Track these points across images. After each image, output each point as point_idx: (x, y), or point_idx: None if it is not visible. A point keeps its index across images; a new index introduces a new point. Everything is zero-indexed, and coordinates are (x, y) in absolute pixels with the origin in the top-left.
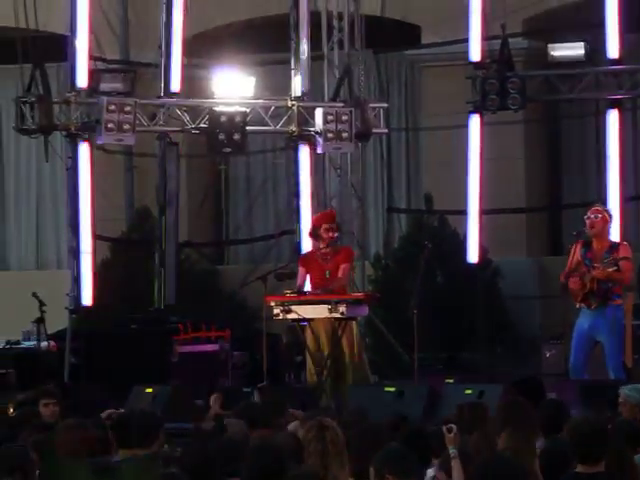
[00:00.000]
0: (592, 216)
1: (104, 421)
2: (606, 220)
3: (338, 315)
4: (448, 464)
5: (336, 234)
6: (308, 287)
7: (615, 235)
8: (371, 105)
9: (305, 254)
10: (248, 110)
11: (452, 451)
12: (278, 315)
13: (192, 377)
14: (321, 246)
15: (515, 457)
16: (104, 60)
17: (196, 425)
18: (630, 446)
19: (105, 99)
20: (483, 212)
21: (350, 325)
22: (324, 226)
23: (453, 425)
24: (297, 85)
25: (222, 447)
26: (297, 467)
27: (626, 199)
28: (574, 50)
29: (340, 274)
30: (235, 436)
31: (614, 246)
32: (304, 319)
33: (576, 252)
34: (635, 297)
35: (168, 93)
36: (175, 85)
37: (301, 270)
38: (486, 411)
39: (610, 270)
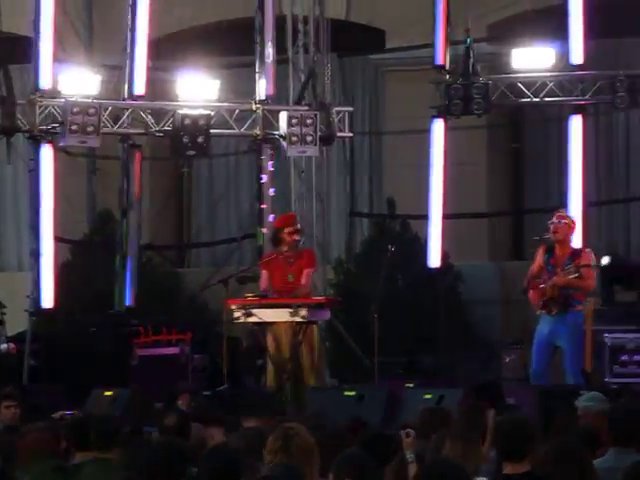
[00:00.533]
0: (556, 221)
1: (56, 422)
2: (570, 226)
3: (299, 319)
4: (400, 469)
5: (298, 237)
6: (272, 291)
7: (577, 240)
8: (335, 109)
9: (267, 257)
10: (212, 113)
11: (409, 456)
12: (239, 318)
13: (152, 380)
14: (284, 249)
15: (460, 462)
16: (68, 62)
17: (160, 425)
18: (589, 451)
19: (69, 101)
20: (445, 216)
21: (311, 329)
22: (287, 229)
23: (411, 430)
24: (261, 88)
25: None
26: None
27: (588, 204)
28: (538, 56)
29: (304, 280)
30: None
31: (577, 253)
32: (265, 323)
33: (539, 257)
34: (595, 302)
35: (132, 96)
36: (139, 88)
37: (264, 273)
38: (448, 416)
39: (571, 277)
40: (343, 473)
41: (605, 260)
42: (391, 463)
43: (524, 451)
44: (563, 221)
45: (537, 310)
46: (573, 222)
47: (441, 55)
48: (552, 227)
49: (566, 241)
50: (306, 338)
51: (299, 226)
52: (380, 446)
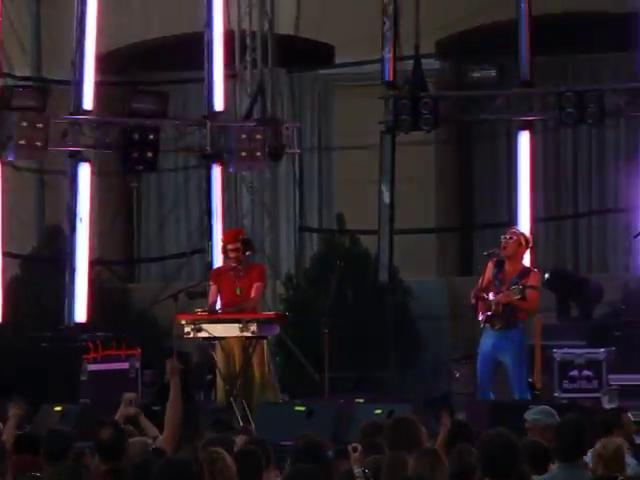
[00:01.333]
0: (507, 237)
1: None
2: (520, 243)
3: (249, 334)
4: None
5: (245, 253)
6: (219, 304)
7: (525, 256)
8: (284, 124)
9: (216, 270)
10: (161, 128)
11: (357, 471)
12: (189, 334)
13: (102, 395)
14: (232, 264)
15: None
16: (15, 77)
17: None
18: (537, 466)
19: (17, 115)
20: (394, 232)
21: (261, 344)
22: (228, 246)
23: (358, 445)
24: (210, 103)
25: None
26: None
27: (536, 220)
28: (486, 72)
29: (253, 294)
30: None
31: (525, 272)
32: (215, 338)
33: (488, 271)
34: (544, 318)
35: (80, 110)
36: (87, 102)
37: (212, 287)
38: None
39: (514, 298)
40: None
41: (546, 275)
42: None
43: (510, 470)
44: (514, 237)
45: (481, 323)
46: (527, 239)
47: (390, 71)
48: (503, 242)
49: (516, 258)
50: (256, 353)
51: (239, 245)
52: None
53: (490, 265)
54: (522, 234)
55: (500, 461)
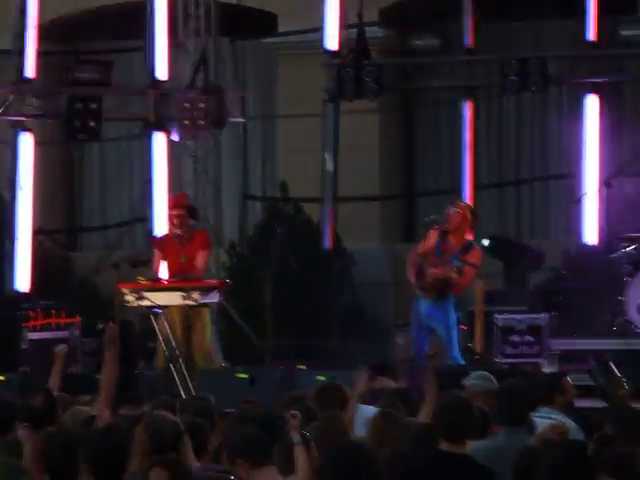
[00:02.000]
0: (452, 210)
1: None
2: (465, 217)
3: (191, 302)
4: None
5: (190, 220)
6: (165, 271)
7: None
8: (228, 93)
9: (161, 237)
10: (104, 97)
11: (295, 437)
12: (131, 302)
13: (42, 364)
14: (176, 231)
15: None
16: None
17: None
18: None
19: None
20: (338, 200)
21: (202, 311)
22: (172, 212)
23: (296, 412)
24: (153, 72)
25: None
26: None
27: (479, 187)
28: (429, 40)
29: (198, 263)
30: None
31: (468, 247)
32: (157, 306)
33: (431, 239)
34: (486, 284)
35: (23, 79)
36: (30, 71)
37: (157, 253)
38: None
39: (452, 275)
40: (235, 453)
41: (485, 242)
42: (277, 444)
43: (465, 432)
44: (459, 211)
45: (415, 289)
46: (473, 213)
47: (333, 39)
48: (448, 215)
49: (460, 231)
50: (197, 320)
51: (183, 211)
52: (272, 426)
53: (434, 234)
54: (469, 207)
55: (455, 423)
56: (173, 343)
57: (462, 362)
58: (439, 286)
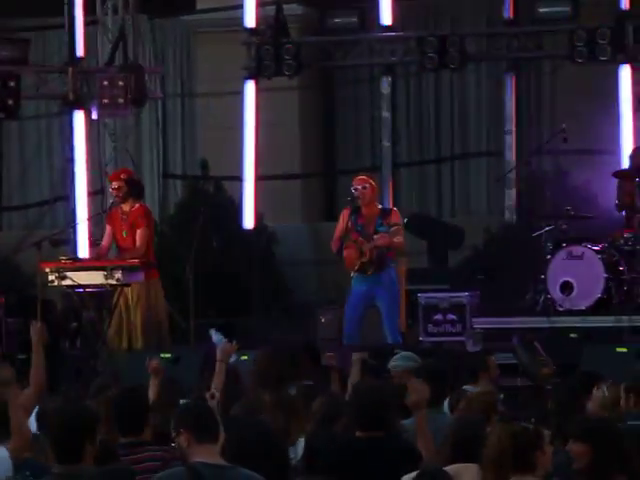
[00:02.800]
0: (359, 187)
1: None
2: (373, 187)
3: (114, 282)
4: None
5: (131, 194)
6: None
7: (387, 201)
8: (146, 70)
9: (111, 211)
10: (22, 75)
11: None
12: (53, 282)
13: None
14: (122, 206)
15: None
16: None
17: None
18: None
19: None
20: (258, 178)
21: (144, 289)
22: (111, 184)
23: (215, 392)
24: (72, 50)
25: None
26: None
27: (399, 165)
28: (348, 17)
29: (137, 242)
30: None
31: (386, 212)
32: (79, 285)
33: (345, 218)
34: (408, 262)
35: None
36: None
37: (107, 228)
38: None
39: (395, 240)
40: (180, 423)
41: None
42: None
43: (380, 422)
44: (367, 185)
45: (351, 271)
46: (375, 181)
47: (252, 16)
48: (357, 194)
49: (372, 201)
50: (143, 298)
51: (121, 183)
52: None
53: (345, 213)
54: (371, 177)
55: (370, 414)
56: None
57: (400, 339)
58: (376, 258)
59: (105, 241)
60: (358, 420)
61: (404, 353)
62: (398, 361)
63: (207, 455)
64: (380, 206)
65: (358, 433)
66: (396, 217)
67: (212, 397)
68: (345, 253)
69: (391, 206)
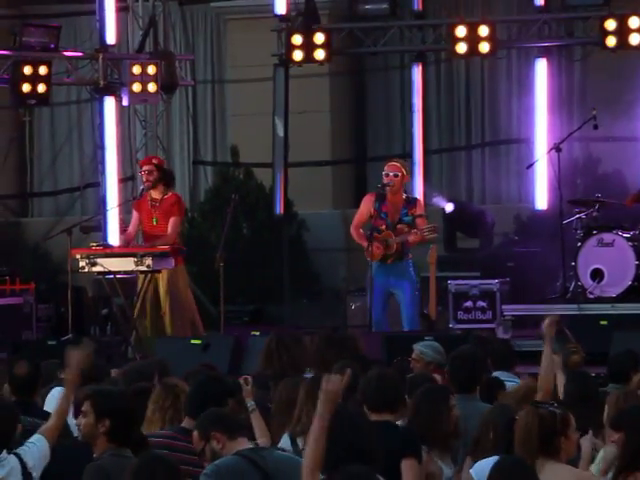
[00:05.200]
0: (392, 173)
1: None
2: (404, 177)
3: (144, 268)
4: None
5: (161, 181)
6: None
7: (418, 187)
8: (177, 57)
9: (139, 199)
10: (53, 61)
11: (250, 404)
12: (84, 268)
13: None
14: (153, 194)
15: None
16: None
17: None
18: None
19: None
20: (289, 165)
21: (171, 276)
22: (142, 168)
23: (249, 377)
24: (102, 37)
25: None
26: None
27: (430, 152)
28: (379, 3)
29: (169, 229)
30: None
31: (412, 201)
32: (109, 272)
33: (367, 204)
34: (439, 249)
35: None
36: None
37: (134, 215)
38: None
39: (431, 236)
40: (210, 429)
41: (449, 207)
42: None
43: (393, 406)
44: (399, 173)
45: (371, 261)
46: (406, 169)
47: (282, 3)
48: (387, 179)
49: (399, 190)
50: (170, 286)
51: (152, 167)
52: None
53: (370, 199)
54: (403, 166)
55: (384, 396)
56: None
57: (416, 327)
58: (399, 248)
59: (132, 228)
60: (367, 404)
61: (432, 343)
62: (428, 349)
63: (242, 446)
64: (405, 195)
65: (373, 417)
66: (421, 207)
67: (246, 383)
68: (364, 242)
69: (422, 193)
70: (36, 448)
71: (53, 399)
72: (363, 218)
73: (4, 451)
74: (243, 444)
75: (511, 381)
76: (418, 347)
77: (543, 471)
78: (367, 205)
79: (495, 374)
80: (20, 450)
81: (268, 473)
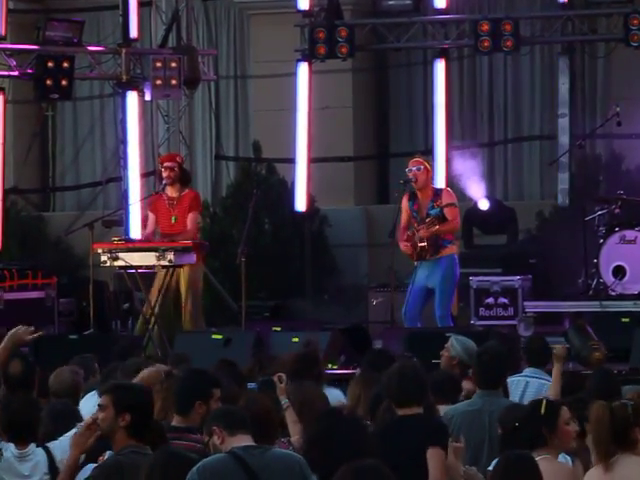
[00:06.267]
0: (414, 169)
1: None
2: (428, 170)
3: (166, 263)
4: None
5: (181, 179)
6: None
7: (441, 184)
8: (200, 52)
9: (153, 198)
10: (76, 56)
11: (284, 402)
12: (105, 262)
13: (18, 324)
14: (169, 192)
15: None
16: None
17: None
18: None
19: None
20: (311, 160)
21: (189, 271)
22: (164, 164)
23: (283, 375)
24: (125, 31)
25: None
26: None
27: (452, 148)
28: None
29: (189, 225)
30: None
31: (437, 193)
32: (131, 266)
33: (406, 207)
34: (460, 246)
35: None
36: (0, 29)
37: (150, 215)
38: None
39: (434, 229)
40: (212, 422)
41: (484, 204)
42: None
43: (417, 400)
44: (421, 167)
45: (414, 262)
46: (429, 163)
47: None
48: (411, 175)
49: (427, 184)
50: (186, 281)
51: (174, 164)
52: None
53: (405, 201)
54: (426, 160)
55: (407, 391)
56: (152, 302)
57: (450, 323)
58: (430, 243)
59: (149, 228)
60: (392, 398)
61: (469, 343)
62: (458, 344)
63: (241, 443)
64: (434, 187)
65: (400, 412)
66: (448, 197)
67: (280, 381)
68: (403, 243)
69: (444, 187)
70: (67, 441)
71: (89, 405)
72: (405, 223)
73: (32, 444)
74: (242, 440)
75: (540, 378)
76: (452, 338)
77: (619, 465)
78: (404, 208)
79: (526, 371)
80: (51, 444)
81: (256, 472)
